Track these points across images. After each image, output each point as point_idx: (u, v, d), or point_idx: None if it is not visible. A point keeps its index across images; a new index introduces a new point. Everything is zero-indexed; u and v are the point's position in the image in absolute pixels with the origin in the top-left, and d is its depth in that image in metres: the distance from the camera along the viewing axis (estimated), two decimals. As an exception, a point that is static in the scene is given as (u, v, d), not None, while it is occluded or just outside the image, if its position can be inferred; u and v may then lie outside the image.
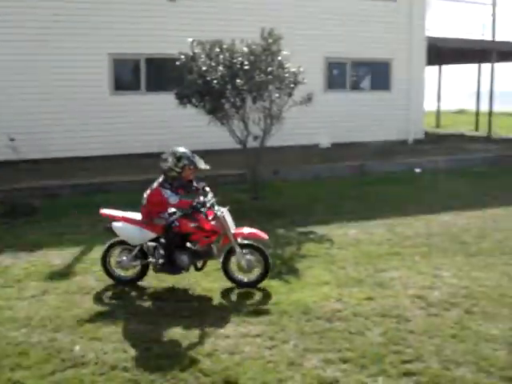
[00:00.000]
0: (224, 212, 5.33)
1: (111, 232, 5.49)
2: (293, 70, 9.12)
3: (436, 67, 22.31)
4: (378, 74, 15.95)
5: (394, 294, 5.30)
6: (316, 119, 14.40)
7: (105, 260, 5.55)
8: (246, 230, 5.48)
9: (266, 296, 5.27)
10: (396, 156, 13.47)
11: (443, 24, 17.72)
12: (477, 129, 20.43)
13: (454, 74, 37.65)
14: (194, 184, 5.48)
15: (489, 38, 17.85)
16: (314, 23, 14.34)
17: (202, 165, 5.41)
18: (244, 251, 5.34)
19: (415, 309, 4.94)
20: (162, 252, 5.36)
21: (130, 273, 5.62)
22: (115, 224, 5.46)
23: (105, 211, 5.66)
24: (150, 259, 5.44)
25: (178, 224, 5.25)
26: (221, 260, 5.44)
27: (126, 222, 5.44)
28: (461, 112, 31.10)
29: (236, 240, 5.32)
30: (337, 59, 15.12)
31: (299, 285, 5.56)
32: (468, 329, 4.51)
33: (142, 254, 5.46)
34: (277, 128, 9.39)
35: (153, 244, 5.43)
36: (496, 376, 3.77)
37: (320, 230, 7.61)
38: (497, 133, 18.56)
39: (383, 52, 15.57)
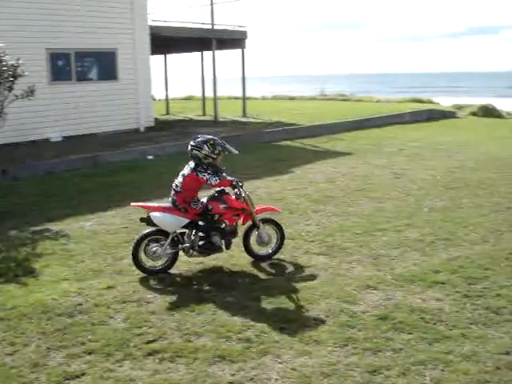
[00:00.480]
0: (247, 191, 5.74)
1: (148, 222, 5.52)
2: (11, 62, 8.62)
3: (162, 56, 23.02)
4: (104, 64, 15.82)
5: (134, 279, 5.50)
6: (44, 113, 13.80)
7: (136, 253, 5.49)
8: (261, 206, 6.14)
9: (3, 301, 4.99)
10: (128, 145, 13.65)
11: (168, 13, 18.18)
12: (204, 114, 21.77)
13: (184, 61, 39.32)
14: (223, 168, 5.72)
15: (209, 26, 18.60)
16: (33, 14, 13.55)
17: (234, 150, 5.69)
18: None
19: (154, 291, 5.22)
20: (200, 234, 5.62)
21: (160, 263, 5.62)
22: (154, 214, 5.48)
23: (136, 204, 5.79)
24: (183, 245, 5.59)
25: (211, 207, 5.53)
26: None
27: (162, 212, 5.48)
28: (189, 98, 32.63)
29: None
30: (60, 50, 14.54)
31: (37, 285, 5.38)
32: (206, 301, 4.95)
33: (172, 242, 5.54)
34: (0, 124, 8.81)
35: (182, 230, 5.62)
36: (234, 339, 4.24)
37: (55, 226, 7.39)
38: (224, 116, 20.07)
39: (107, 42, 15.51)
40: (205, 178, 5.45)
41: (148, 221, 5.54)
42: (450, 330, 4.30)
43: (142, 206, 5.76)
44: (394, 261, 5.84)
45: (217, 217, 5.62)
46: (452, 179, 9.74)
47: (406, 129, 17.45)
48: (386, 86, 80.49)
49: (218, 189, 5.66)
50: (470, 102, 30.25)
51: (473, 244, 6.21)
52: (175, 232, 5.58)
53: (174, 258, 5.64)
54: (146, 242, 5.54)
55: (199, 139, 5.58)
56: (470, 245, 6.19)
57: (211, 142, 5.53)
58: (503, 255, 5.80)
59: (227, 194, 5.72)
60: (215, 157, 5.55)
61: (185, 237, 5.66)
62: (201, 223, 5.64)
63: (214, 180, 5.46)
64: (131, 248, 5.57)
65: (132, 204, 5.87)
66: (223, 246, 5.66)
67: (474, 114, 25.56)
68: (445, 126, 18.95)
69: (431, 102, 28.13)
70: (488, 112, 25.78)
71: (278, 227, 6.04)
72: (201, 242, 5.64)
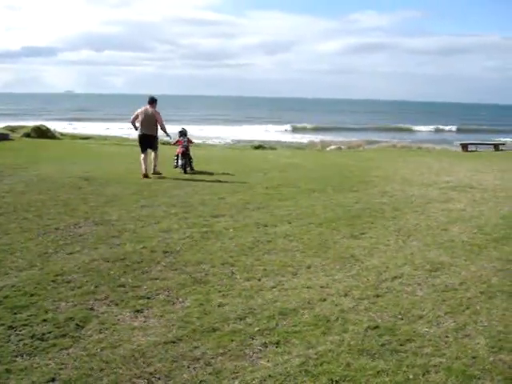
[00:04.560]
0: None
1: (185, 155, 14.34)
2: None
3: None
4: None
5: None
6: None
7: (176, 164, 14.39)
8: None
9: None
10: None
11: None
12: None
13: None
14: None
15: None
16: None
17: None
18: None
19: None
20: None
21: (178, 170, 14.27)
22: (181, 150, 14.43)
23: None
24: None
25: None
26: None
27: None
28: None
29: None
30: None
31: None
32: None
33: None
34: None
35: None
36: None
37: None
38: None
39: None
40: (192, 140, 15.55)
41: (188, 155, 14.40)
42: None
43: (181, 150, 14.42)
44: None
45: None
46: (0, 204, 9.29)
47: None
48: None
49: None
50: (25, 124, 30.17)
51: (20, 271, 5.98)
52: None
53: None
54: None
55: (181, 129, 15.00)
56: (16, 272, 5.93)
57: (183, 129, 15.17)
58: (50, 278, 5.78)
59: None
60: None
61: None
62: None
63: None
64: (175, 160, 14.62)
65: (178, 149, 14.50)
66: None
67: (28, 135, 25.49)
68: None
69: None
70: (42, 133, 26.11)
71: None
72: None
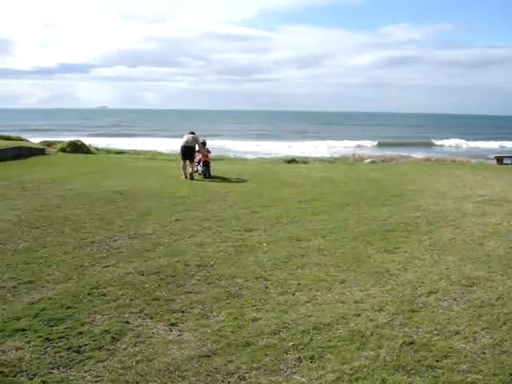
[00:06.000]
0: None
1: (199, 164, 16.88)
2: None
3: None
4: None
5: None
6: None
7: (197, 169, 16.86)
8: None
9: None
10: None
11: None
12: None
13: None
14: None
15: None
16: None
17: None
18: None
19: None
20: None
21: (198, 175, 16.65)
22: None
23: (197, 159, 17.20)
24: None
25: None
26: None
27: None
28: None
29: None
30: None
31: None
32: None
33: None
34: None
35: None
36: None
37: None
38: None
39: None
40: (210, 150, 18.44)
41: (208, 163, 16.86)
42: (31, 379, 4.06)
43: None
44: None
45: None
46: (37, 218, 9.52)
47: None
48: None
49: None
50: (60, 139, 30.87)
51: (56, 283, 6.10)
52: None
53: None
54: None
55: (201, 140, 17.74)
56: (53, 285, 6.05)
57: (203, 139, 17.82)
58: (86, 291, 5.88)
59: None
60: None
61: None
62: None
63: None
64: (196, 166, 16.93)
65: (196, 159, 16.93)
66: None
67: (63, 150, 26.04)
68: (34, 163, 18.66)
69: (20, 140, 27.52)
70: (77, 148, 26.63)
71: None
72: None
